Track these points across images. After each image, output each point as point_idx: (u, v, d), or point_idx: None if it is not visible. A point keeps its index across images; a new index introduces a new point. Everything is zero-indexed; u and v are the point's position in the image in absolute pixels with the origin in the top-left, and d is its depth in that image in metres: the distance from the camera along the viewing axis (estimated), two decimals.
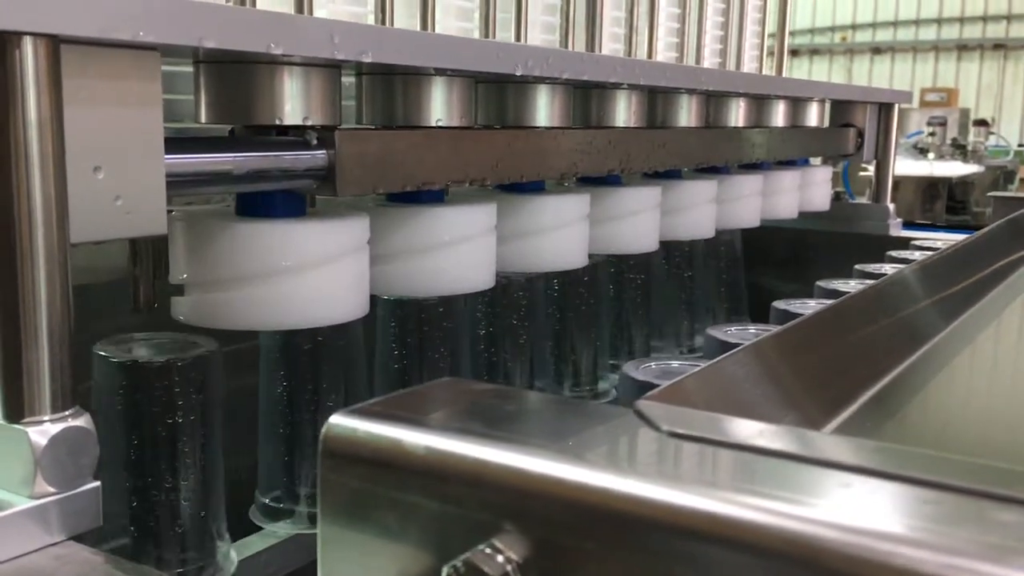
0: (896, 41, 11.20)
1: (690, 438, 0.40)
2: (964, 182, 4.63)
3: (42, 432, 0.49)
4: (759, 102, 1.50)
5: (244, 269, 0.67)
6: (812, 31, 11.68)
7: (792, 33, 11.65)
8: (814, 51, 11.74)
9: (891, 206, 1.83)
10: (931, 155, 4.91)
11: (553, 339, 1.10)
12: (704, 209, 1.27)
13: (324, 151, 0.70)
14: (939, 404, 0.79)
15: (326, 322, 0.71)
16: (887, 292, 0.97)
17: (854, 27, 11.43)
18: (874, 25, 11.30)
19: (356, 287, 0.73)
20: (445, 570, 0.37)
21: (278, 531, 0.81)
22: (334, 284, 0.71)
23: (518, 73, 0.83)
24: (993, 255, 1.42)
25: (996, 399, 0.91)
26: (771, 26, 1.81)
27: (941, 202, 4.69)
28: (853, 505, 0.34)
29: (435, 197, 0.86)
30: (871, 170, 1.92)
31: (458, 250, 0.84)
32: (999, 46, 10.67)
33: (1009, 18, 10.58)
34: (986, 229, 1.50)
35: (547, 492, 0.36)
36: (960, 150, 5.32)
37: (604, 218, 1.10)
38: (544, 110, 0.98)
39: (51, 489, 0.49)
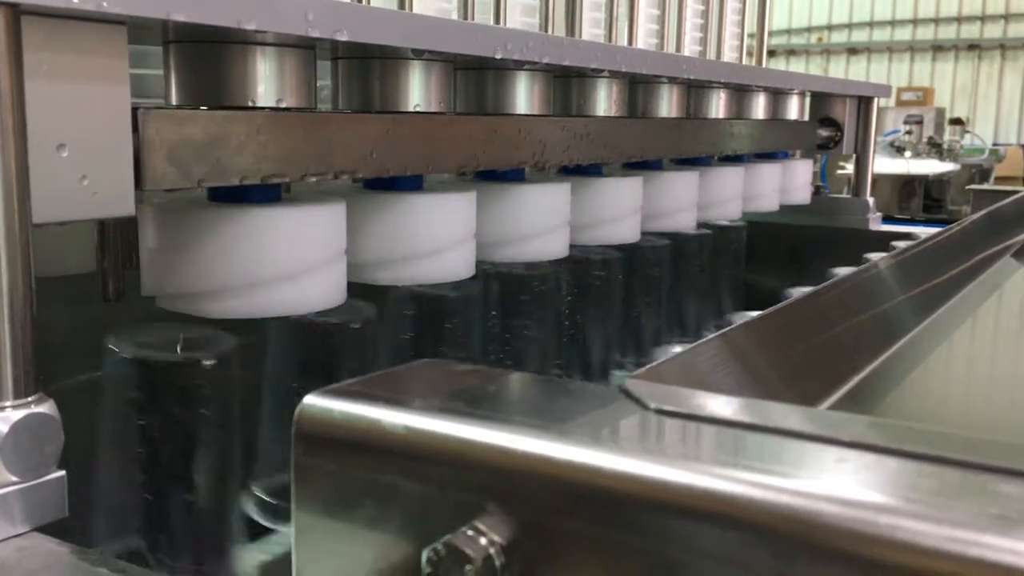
0: (872, 42, 11.28)
1: (677, 415, 0.39)
2: (940, 180, 4.66)
3: (3, 419, 0.47)
4: (739, 94, 1.49)
5: (216, 256, 0.65)
6: (789, 31, 11.74)
7: (769, 33, 11.70)
8: (791, 51, 11.80)
9: (871, 200, 1.83)
10: (908, 153, 4.93)
11: (550, 334, 1.09)
12: (686, 201, 1.26)
13: None
14: (921, 392, 0.78)
15: (304, 310, 0.69)
16: (870, 282, 0.96)
17: (830, 28, 11.49)
18: (850, 26, 11.37)
19: (332, 275, 0.71)
20: (425, 554, 0.35)
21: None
22: (310, 271, 0.69)
23: (497, 56, 0.81)
24: (974, 247, 1.42)
25: (975, 390, 0.90)
26: (751, 26, 1.81)
27: (918, 200, 4.72)
28: (847, 478, 0.33)
29: (414, 184, 0.85)
30: (849, 168, 1.92)
31: (440, 238, 0.82)
32: (973, 46, 10.77)
33: (983, 19, 10.68)
34: (966, 221, 1.50)
35: (531, 471, 0.35)
36: (936, 149, 5.35)
37: (585, 209, 1.09)
38: (523, 96, 0.97)
39: (13, 478, 0.47)
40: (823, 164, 2.29)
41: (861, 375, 0.69)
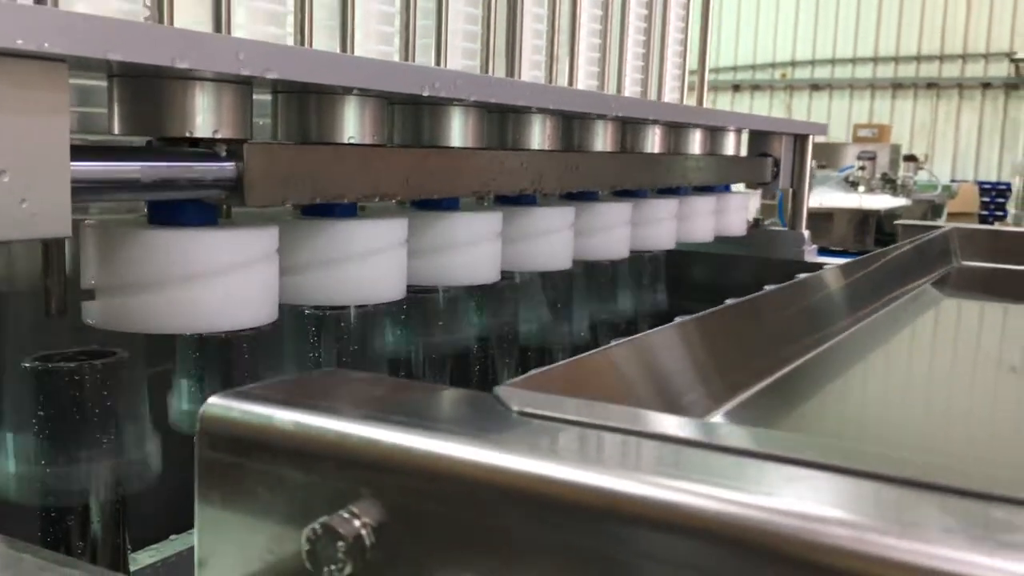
0: (834, 79, 11.53)
1: (537, 416, 0.44)
2: (892, 215, 4.80)
3: None
4: (677, 130, 1.56)
5: (150, 274, 0.70)
6: (754, 67, 11.97)
7: (735, 69, 11.96)
8: (755, 87, 12.03)
9: (806, 233, 1.91)
10: (861, 188, 5.07)
11: (467, 353, 1.14)
12: (618, 231, 1.32)
13: (232, 163, 0.74)
14: (806, 408, 0.84)
15: (232, 327, 0.74)
16: (774, 301, 1.03)
17: (794, 64, 11.74)
18: (813, 63, 11.62)
19: (262, 295, 0.76)
20: (305, 532, 0.40)
21: None
22: (240, 291, 0.74)
23: (425, 93, 0.87)
24: (895, 275, 1.50)
25: (860, 407, 0.97)
26: (694, 63, 1.89)
27: (871, 234, 4.84)
28: (657, 469, 0.39)
29: (347, 211, 0.90)
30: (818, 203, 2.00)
31: (366, 262, 0.88)
32: (932, 85, 11.05)
33: (941, 58, 10.96)
34: (890, 252, 1.58)
35: (398, 462, 0.40)
36: (890, 184, 5.50)
37: (518, 236, 1.15)
38: (457, 131, 1.02)
39: None
40: (780, 199, 2.37)
41: (748, 392, 0.75)
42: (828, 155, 6.44)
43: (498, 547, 0.39)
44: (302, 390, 0.46)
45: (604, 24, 1.55)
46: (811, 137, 1.90)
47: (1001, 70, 10.64)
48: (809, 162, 1.91)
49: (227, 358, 0.79)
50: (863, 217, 5.10)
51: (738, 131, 1.76)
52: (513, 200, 1.19)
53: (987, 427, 0.92)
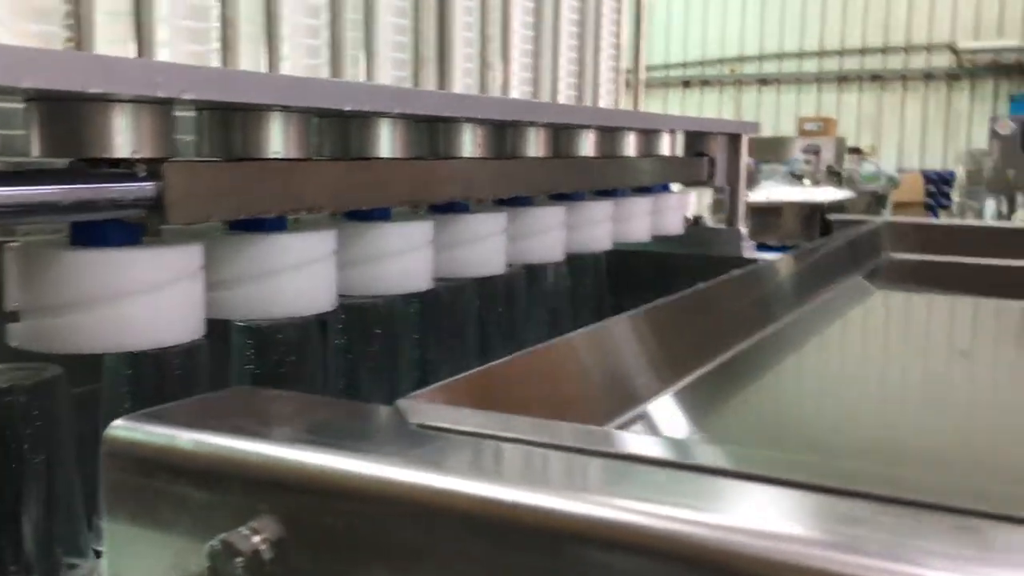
0: (781, 73, 11.68)
1: (435, 429, 0.46)
2: (839, 206, 4.89)
3: None
4: (612, 133, 1.59)
5: (72, 295, 0.71)
6: (703, 63, 12.09)
7: (684, 65, 12.07)
8: (705, 82, 12.15)
9: (744, 229, 1.95)
10: (807, 182, 5.16)
11: (405, 363, 1.15)
12: (552, 234, 1.35)
13: (153, 182, 0.75)
14: (723, 408, 0.87)
15: (155, 345, 0.75)
16: (701, 298, 1.06)
17: (742, 59, 11.87)
18: (760, 57, 11.76)
19: (185, 312, 0.77)
20: (205, 549, 0.42)
21: None
22: (162, 309, 0.75)
23: (347, 108, 0.88)
24: (825, 270, 1.54)
25: (795, 401, 1.00)
26: (632, 61, 1.92)
27: (817, 227, 4.92)
28: (544, 477, 0.41)
29: (276, 225, 0.91)
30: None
31: (295, 275, 0.89)
32: (876, 77, 11.23)
33: (884, 51, 11.15)
34: (823, 246, 1.62)
35: (294, 478, 0.42)
36: (836, 177, 5.60)
37: (451, 243, 1.17)
38: (385, 142, 1.04)
39: None
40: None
41: (674, 387, 0.78)
42: (776, 149, 6.54)
43: (393, 559, 0.40)
44: (206, 410, 0.48)
45: (536, 30, 1.57)
46: (744, 136, 1.94)
47: (943, 61, 10.86)
48: (744, 160, 1.95)
49: (155, 376, 0.80)
50: (810, 211, 5.18)
51: (673, 132, 1.79)
52: (446, 208, 1.20)
53: (912, 409, 0.96)
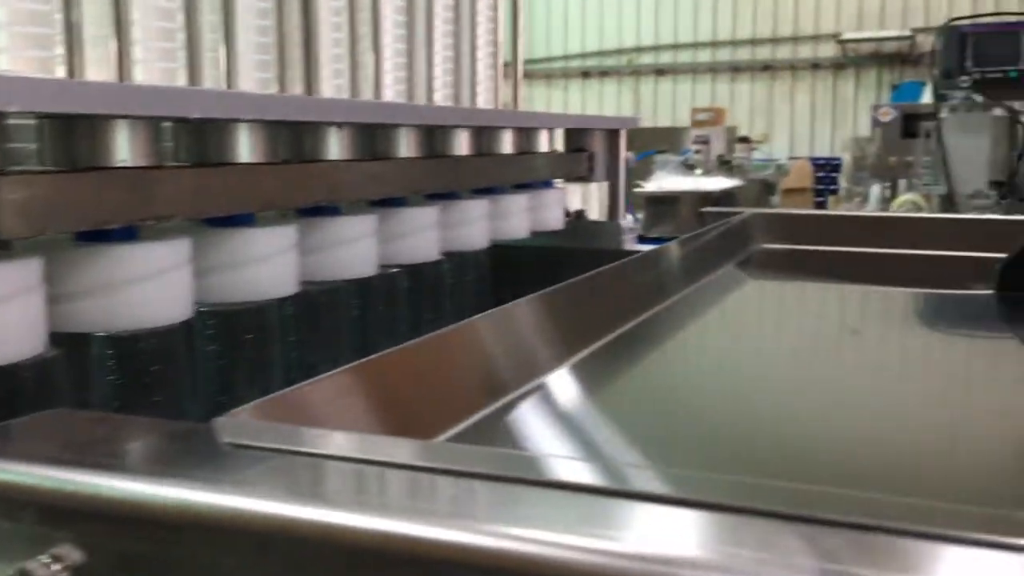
0: (677, 63, 11.90)
1: (247, 447, 0.46)
2: (728, 195, 5.02)
3: None
4: (489, 131, 1.60)
5: None
6: (601, 53, 12.23)
7: (583, 56, 12.20)
8: (604, 73, 12.30)
9: (624, 222, 1.99)
10: (698, 171, 5.29)
11: (277, 369, 1.14)
12: (426, 234, 1.35)
13: None
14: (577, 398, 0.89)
15: None
16: (573, 292, 1.08)
17: (639, 50, 12.05)
18: (656, 48, 11.96)
19: (21, 327, 0.75)
20: None
21: None
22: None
23: (194, 116, 0.87)
24: (699, 258, 1.58)
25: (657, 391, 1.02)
26: (510, 55, 1.93)
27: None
28: (352, 496, 0.42)
29: (125, 235, 0.90)
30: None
31: (147, 285, 0.87)
32: (767, 67, 11.55)
33: (774, 41, 11.47)
34: (697, 237, 1.66)
35: (89, 503, 0.41)
36: (726, 165, 5.75)
37: (320, 246, 1.16)
38: (243, 147, 1.03)
39: None
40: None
41: (531, 383, 0.79)
42: (671, 139, 6.67)
43: None
44: (12, 435, 0.47)
45: (409, 28, 1.57)
46: (623, 130, 1.97)
47: (829, 51, 11.23)
48: (623, 154, 1.98)
49: None
50: (702, 200, 5.30)
51: (551, 130, 1.82)
52: (315, 211, 1.20)
53: (783, 386, 0.99)
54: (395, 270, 1.29)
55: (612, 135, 1.96)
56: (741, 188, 5.25)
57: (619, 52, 12.15)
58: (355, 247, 1.19)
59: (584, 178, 1.94)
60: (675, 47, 11.88)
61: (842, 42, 11.07)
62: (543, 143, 1.77)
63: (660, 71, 12.03)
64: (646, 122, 11.68)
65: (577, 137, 1.93)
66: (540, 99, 12.52)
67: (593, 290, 1.19)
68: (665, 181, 4.86)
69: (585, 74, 12.34)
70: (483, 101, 1.76)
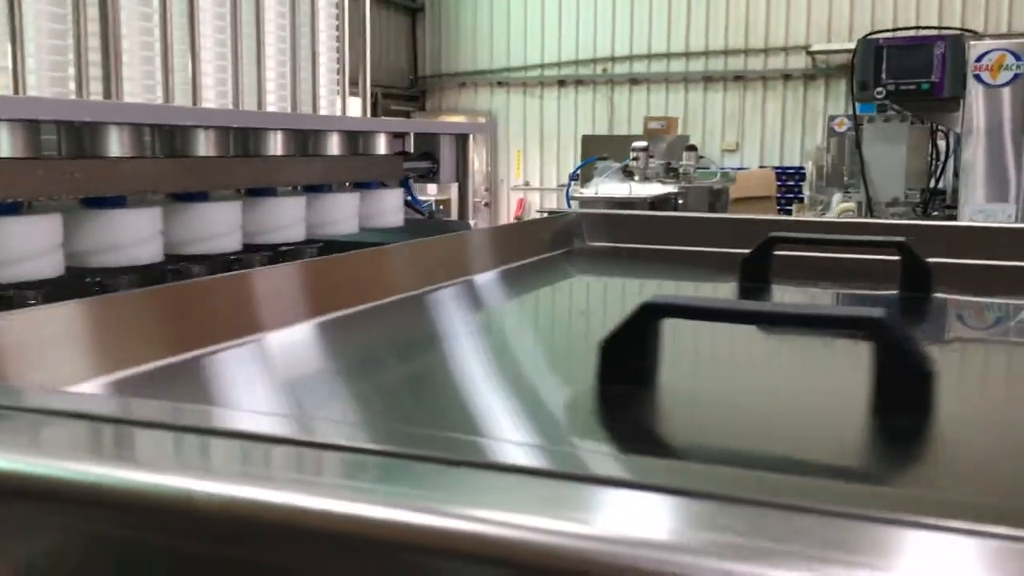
0: (651, 73, 12.07)
1: None
2: (665, 201, 5.15)
3: None
4: (316, 135, 1.74)
5: None
6: (576, 63, 12.39)
7: (559, 64, 12.34)
8: (579, 81, 12.46)
9: (473, 222, 2.12)
10: (636, 178, 5.42)
11: None
12: (230, 228, 1.49)
13: None
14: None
15: None
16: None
17: (613, 59, 12.21)
18: (631, 58, 12.12)
19: None
20: None
21: None
22: None
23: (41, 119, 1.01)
24: (524, 252, 1.71)
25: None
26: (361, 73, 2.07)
27: None
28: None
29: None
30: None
31: None
32: (739, 77, 11.71)
33: (746, 52, 11.63)
34: (524, 228, 1.79)
35: None
36: (673, 173, 5.88)
37: (103, 235, 1.30)
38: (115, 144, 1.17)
39: None
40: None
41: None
42: (625, 148, 6.80)
43: None
44: None
45: (228, 32, 1.71)
46: (471, 137, 2.11)
47: (799, 62, 11.39)
48: (471, 159, 2.12)
49: None
50: (639, 206, 5.43)
51: (398, 135, 1.95)
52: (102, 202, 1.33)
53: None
54: (193, 260, 1.43)
55: (461, 140, 2.10)
56: (686, 195, 5.39)
57: (594, 62, 12.31)
58: (140, 238, 1.32)
59: (429, 180, 2.07)
60: (649, 57, 12.04)
61: (812, 53, 11.23)
62: (382, 147, 1.90)
63: (634, 80, 12.19)
64: (620, 129, 11.87)
65: (424, 142, 2.07)
66: (517, 107, 12.69)
67: (363, 262, 1.28)
68: (601, 187, 4.99)
69: (561, 83, 12.49)
70: (325, 109, 1.90)
